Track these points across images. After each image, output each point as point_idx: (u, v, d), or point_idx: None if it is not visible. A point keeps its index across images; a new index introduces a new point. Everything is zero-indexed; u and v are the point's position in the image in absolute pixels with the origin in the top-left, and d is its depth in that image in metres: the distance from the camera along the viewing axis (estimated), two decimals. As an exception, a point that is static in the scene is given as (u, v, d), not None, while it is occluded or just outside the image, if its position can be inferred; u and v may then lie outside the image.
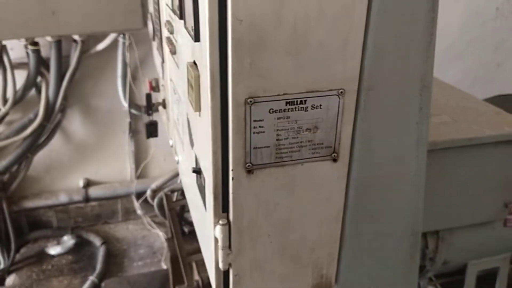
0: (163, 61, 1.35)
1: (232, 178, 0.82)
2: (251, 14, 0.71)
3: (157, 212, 1.87)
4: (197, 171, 0.93)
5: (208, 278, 1.74)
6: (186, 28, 0.86)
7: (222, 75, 0.75)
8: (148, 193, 1.85)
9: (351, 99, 0.82)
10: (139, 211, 3.35)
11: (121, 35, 2.69)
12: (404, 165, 0.91)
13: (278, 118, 0.79)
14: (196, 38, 0.78)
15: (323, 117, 0.82)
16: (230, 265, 0.89)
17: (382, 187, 0.91)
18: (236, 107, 0.76)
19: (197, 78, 0.82)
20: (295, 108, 0.80)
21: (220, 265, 0.89)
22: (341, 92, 0.81)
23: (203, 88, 0.80)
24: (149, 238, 3.26)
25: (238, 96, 0.76)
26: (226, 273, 0.91)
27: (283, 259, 0.91)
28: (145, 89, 2.99)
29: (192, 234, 2.14)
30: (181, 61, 1.02)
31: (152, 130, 1.55)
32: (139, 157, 3.17)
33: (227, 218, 0.86)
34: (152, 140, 3.20)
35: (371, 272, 0.99)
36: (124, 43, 2.70)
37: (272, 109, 0.79)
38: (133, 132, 3.05)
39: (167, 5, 1.12)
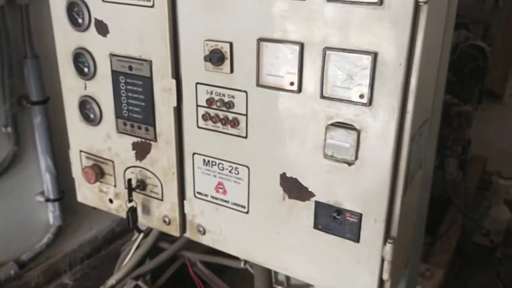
0: (156, 140, 1.32)
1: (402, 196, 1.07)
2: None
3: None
4: (339, 211, 1.11)
5: None
6: (349, 100, 1.03)
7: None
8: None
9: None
10: None
11: None
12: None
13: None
14: (370, 103, 1.00)
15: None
16: (390, 274, 1.12)
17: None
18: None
19: (357, 135, 1.03)
20: (420, 137, 1.11)
21: (386, 277, 1.11)
22: (426, 120, 1.17)
23: (376, 137, 1.02)
24: None
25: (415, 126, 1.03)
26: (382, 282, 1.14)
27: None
28: None
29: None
30: (266, 128, 1.14)
31: (134, 217, 1.41)
32: None
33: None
34: None
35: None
36: None
37: (416, 142, 1.08)
38: None
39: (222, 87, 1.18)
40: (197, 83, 1.21)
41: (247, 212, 1.25)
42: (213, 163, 1.26)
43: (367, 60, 0.97)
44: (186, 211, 1.36)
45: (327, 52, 1.01)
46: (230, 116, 1.19)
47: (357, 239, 1.11)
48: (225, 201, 1.28)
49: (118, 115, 1.36)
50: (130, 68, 1.29)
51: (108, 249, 3.36)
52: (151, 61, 1.25)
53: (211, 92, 1.19)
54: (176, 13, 1.19)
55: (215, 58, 1.13)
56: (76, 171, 1.54)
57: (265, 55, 1.09)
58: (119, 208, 1.49)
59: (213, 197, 1.30)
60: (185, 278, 1.84)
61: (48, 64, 2.65)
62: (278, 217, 1.20)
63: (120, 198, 1.47)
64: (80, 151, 1.50)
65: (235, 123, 1.18)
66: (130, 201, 1.39)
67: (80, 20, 1.32)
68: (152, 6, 1.19)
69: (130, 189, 1.38)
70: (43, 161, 2.81)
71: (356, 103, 1.01)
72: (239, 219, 1.27)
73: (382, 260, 1.10)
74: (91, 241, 3.27)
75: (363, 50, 0.97)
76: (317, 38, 1.02)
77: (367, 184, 1.06)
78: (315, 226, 1.16)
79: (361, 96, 1.00)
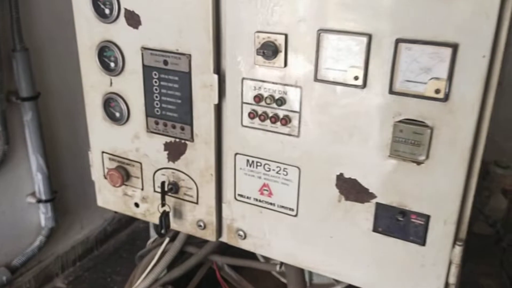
0: (192, 139, 1.23)
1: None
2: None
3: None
4: (404, 213, 1.05)
5: None
6: (422, 95, 0.95)
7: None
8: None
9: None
10: None
11: None
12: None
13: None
14: (446, 98, 0.93)
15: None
16: (457, 278, 1.07)
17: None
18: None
19: (430, 133, 0.96)
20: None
21: (452, 280, 1.06)
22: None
23: (451, 134, 0.95)
24: None
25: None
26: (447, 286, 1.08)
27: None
28: None
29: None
30: (323, 126, 1.06)
31: (168, 222, 1.31)
32: None
33: (458, 238, 1.04)
34: None
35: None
36: None
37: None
38: None
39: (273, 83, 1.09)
40: (243, 79, 1.12)
41: (295, 215, 1.18)
42: (258, 164, 1.18)
43: (446, 52, 0.90)
44: (224, 214, 1.28)
45: (400, 44, 0.94)
46: (281, 113, 1.10)
47: (422, 242, 1.05)
48: (271, 203, 1.20)
49: (149, 113, 1.26)
50: (165, 62, 1.18)
51: (101, 249, 3.23)
52: (190, 55, 1.15)
53: (259, 88, 1.11)
54: (219, 2, 1.09)
55: (270, 51, 1.04)
56: (98, 174, 1.43)
57: (325, 47, 1.01)
58: (146, 212, 1.39)
59: (256, 199, 1.22)
60: (204, 281, 1.76)
61: (39, 57, 2.50)
62: (332, 220, 1.13)
63: (148, 202, 1.37)
64: (103, 152, 1.39)
65: (286, 121, 1.10)
66: (163, 205, 1.30)
67: (107, 11, 1.21)
68: (194, -5, 1.10)
69: (163, 192, 1.28)
70: (34, 160, 2.66)
71: (430, 98, 0.94)
72: (286, 222, 1.19)
73: (449, 264, 1.05)
74: (83, 242, 3.13)
75: (441, 42, 0.90)
76: (388, 29, 0.94)
77: (438, 184, 1.00)
78: (375, 229, 1.09)
79: (437, 91, 0.93)
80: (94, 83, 1.31)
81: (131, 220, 3.23)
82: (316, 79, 1.04)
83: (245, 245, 1.28)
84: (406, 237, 1.07)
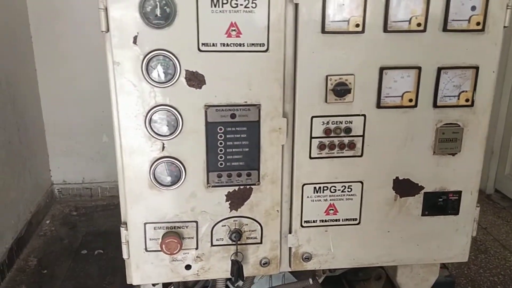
0: (258, 182, 1.30)
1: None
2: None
3: None
4: (444, 194, 1.40)
5: None
6: (457, 105, 1.30)
7: (485, 117, 1.37)
8: None
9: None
10: None
11: None
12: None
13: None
14: (472, 104, 1.32)
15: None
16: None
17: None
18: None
19: (462, 131, 1.34)
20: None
21: (474, 234, 1.47)
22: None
23: (475, 129, 1.34)
24: None
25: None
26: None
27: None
28: None
29: None
30: (382, 143, 1.33)
31: (241, 272, 1.27)
32: None
33: (474, 202, 1.45)
34: None
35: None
36: None
37: (474, 128, 1.46)
38: None
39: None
40: (313, 117, 1.27)
41: (358, 223, 1.39)
42: (325, 188, 1.34)
43: (472, 72, 1.28)
44: (290, 244, 1.38)
45: (442, 70, 1.27)
46: (346, 140, 1.30)
47: (457, 212, 1.42)
48: (336, 220, 1.38)
49: (211, 168, 1.27)
50: (233, 116, 1.23)
51: None
52: (259, 105, 1.24)
53: (327, 122, 1.28)
54: (286, 54, 1.23)
55: (346, 90, 1.24)
56: (135, 250, 1.32)
57: (384, 80, 1.26)
58: (200, 271, 1.37)
59: (322, 220, 1.37)
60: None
61: None
62: (389, 217, 1.39)
63: (203, 259, 1.35)
64: (145, 223, 1.30)
65: (354, 145, 1.31)
66: (236, 255, 1.32)
67: (162, 76, 1.17)
68: (266, 50, 1.20)
69: (237, 244, 1.31)
70: None
71: (462, 106, 1.31)
72: (350, 232, 1.39)
73: (473, 222, 1.44)
74: None
75: (468, 65, 1.28)
76: (432, 61, 1.27)
77: (467, 166, 1.37)
78: (423, 214, 1.41)
79: (467, 100, 1.31)
80: (137, 152, 1.23)
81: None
82: (378, 107, 1.28)
83: (310, 266, 1.42)
84: (446, 212, 1.41)
